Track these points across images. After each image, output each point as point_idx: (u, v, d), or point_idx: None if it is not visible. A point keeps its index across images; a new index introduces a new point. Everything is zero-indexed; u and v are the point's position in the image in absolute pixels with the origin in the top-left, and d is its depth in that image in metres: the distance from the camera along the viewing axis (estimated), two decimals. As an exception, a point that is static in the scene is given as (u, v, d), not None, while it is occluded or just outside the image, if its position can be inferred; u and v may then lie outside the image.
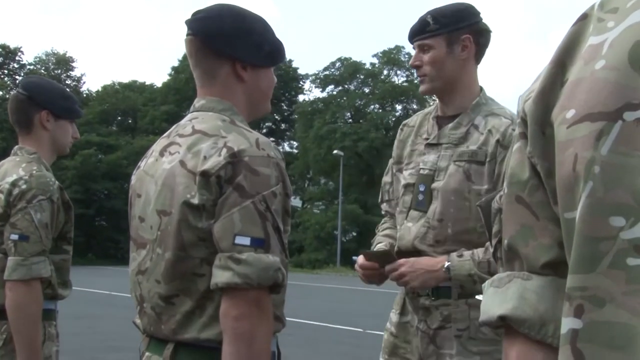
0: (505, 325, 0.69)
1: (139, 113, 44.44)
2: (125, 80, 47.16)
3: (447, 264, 1.83)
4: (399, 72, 45.37)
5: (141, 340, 1.45)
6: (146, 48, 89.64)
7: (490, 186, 1.83)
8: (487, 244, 1.70)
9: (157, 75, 76.77)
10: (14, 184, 2.00)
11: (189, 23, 1.41)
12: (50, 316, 2.10)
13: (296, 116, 43.87)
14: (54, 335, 2.12)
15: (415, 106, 44.42)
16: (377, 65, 45.18)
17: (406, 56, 44.55)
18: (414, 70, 2.13)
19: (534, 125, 0.67)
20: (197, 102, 1.43)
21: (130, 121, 45.71)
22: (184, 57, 45.23)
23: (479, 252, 1.82)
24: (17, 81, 41.69)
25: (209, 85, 1.41)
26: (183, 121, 1.42)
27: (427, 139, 1.99)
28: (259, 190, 1.23)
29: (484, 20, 1.98)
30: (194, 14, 1.42)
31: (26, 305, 1.93)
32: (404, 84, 44.62)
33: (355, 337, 9.08)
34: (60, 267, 2.11)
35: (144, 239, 1.36)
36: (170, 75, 46.31)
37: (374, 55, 45.16)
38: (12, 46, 41.87)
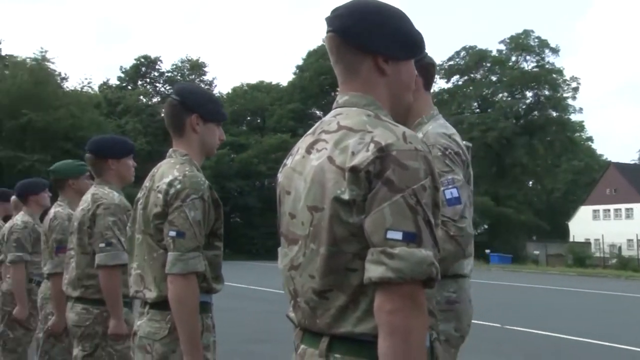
0: None
1: (267, 112, 45.97)
2: (253, 81, 49.05)
3: None
4: (528, 57, 43.21)
5: (294, 333, 1.49)
6: (271, 49, 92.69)
7: None
8: None
9: (282, 74, 79.30)
10: (170, 184, 2.14)
11: (329, 20, 1.42)
12: (207, 308, 2.22)
13: (421, 109, 43.13)
14: (211, 326, 2.23)
15: (547, 92, 42.21)
16: (504, 52, 43.37)
17: (536, 41, 42.41)
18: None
19: None
20: (340, 98, 1.44)
21: (258, 120, 47.43)
22: (308, 55, 46.31)
23: None
24: (157, 88, 44.79)
25: (351, 80, 1.42)
26: (327, 118, 1.43)
27: None
28: (408, 184, 1.21)
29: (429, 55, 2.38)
30: (334, 11, 1.43)
31: (185, 297, 2.06)
32: (534, 69, 42.45)
33: (494, 332, 8.80)
34: (212, 262, 2.22)
35: (295, 234, 1.39)
36: (295, 74, 47.46)
37: (501, 42, 43.49)
38: (152, 56, 45.07)
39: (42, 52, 33.60)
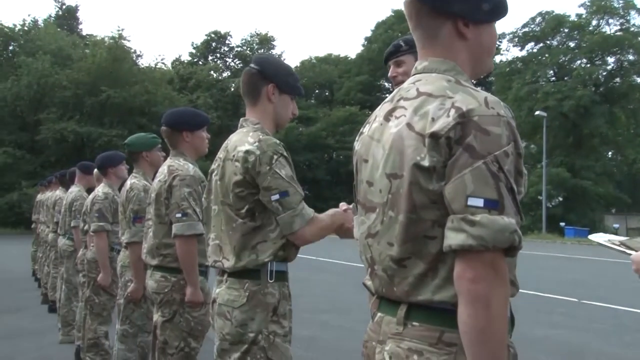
0: None
1: (335, 85, 45.87)
2: (321, 54, 48.93)
3: None
4: (610, 20, 40.89)
5: (371, 301, 1.48)
6: (339, 21, 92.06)
7: None
8: None
9: (351, 47, 78.81)
10: (247, 152, 2.15)
11: None
12: (284, 277, 2.24)
13: (493, 78, 41.93)
14: (287, 295, 2.25)
15: (631, 57, 39.93)
16: (584, 16, 41.23)
17: (620, 2, 40.01)
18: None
19: None
20: (419, 64, 1.40)
21: (327, 93, 47.44)
22: (377, 26, 45.71)
23: None
24: (227, 63, 45.42)
25: (430, 46, 1.38)
26: (406, 84, 1.40)
27: None
28: (490, 150, 1.17)
29: None
30: None
31: (320, 233, 2.22)
32: (617, 33, 40.15)
33: (569, 307, 8.55)
34: None
35: (372, 202, 1.37)
36: (363, 45, 46.97)
37: (581, 5, 41.31)
38: (222, 31, 45.67)
39: (119, 30, 34.75)
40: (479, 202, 1.15)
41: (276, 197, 2.11)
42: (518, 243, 1.16)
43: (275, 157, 2.14)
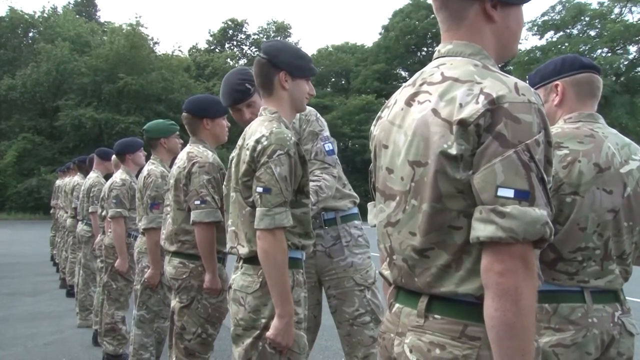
0: None
1: (352, 73, 45.64)
2: (338, 42, 48.61)
3: None
4: (634, 8, 40.18)
5: (388, 291, 1.44)
6: (356, 9, 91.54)
7: None
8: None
9: (368, 35, 78.30)
10: (257, 142, 2.14)
11: None
12: (298, 264, 2.22)
13: (511, 67, 41.46)
14: (302, 282, 2.23)
15: (653, 46, 39.16)
16: (606, 4, 40.56)
17: (643, -10, 39.27)
18: None
19: None
20: (443, 47, 1.35)
21: (343, 82, 47.20)
22: (394, 15, 45.32)
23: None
24: (244, 51, 45.38)
25: (456, 28, 1.33)
26: (428, 68, 1.35)
27: None
28: (521, 139, 1.13)
29: None
30: None
31: (273, 252, 2.07)
32: (640, 22, 39.40)
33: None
34: (301, 219, 2.21)
35: (393, 190, 1.33)
36: (380, 34, 46.64)
37: (603, -7, 40.57)
38: (239, 19, 45.58)
39: (136, 17, 34.74)
40: (510, 193, 1.11)
41: (260, 189, 2.09)
42: (549, 235, 1.12)
43: (279, 152, 2.10)
